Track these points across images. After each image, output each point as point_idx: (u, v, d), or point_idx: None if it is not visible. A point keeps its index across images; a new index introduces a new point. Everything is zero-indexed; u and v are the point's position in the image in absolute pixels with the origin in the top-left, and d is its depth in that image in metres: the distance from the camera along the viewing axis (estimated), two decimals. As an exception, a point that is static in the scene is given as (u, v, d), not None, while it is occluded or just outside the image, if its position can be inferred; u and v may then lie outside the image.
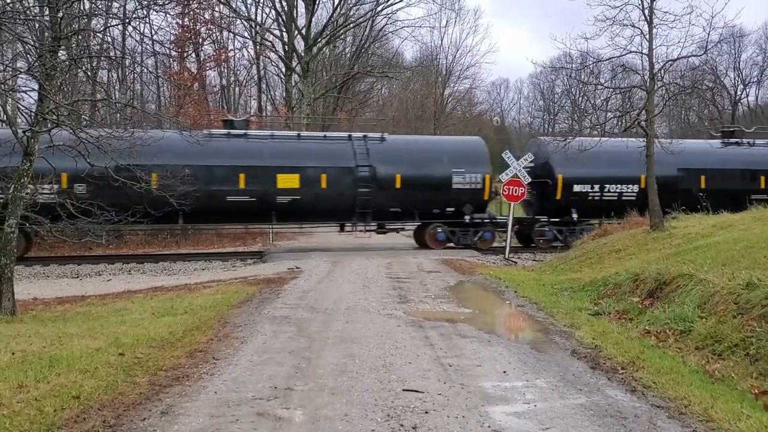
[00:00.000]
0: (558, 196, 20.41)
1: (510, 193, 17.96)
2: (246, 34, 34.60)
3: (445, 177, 19.42)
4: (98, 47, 17.08)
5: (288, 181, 18.54)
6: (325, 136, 20.25)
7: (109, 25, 17.71)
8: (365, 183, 19.02)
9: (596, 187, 20.53)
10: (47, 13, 10.19)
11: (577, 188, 20.44)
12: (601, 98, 28.41)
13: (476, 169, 19.76)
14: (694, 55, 15.77)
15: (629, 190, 20.61)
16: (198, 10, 30.00)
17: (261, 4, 35.06)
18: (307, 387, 5.33)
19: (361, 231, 20.64)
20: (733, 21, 35.82)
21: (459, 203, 19.58)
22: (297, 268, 14.90)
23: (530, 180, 18.60)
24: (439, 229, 19.74)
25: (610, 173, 20.49)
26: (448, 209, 19.60)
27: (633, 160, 17.07)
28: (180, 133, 15.72)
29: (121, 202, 15.68)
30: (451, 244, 19.88)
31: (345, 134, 20.49)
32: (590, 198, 20.49)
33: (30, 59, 10.52)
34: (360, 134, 20.19)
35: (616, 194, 20.63)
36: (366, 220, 19.61)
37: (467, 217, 19.70)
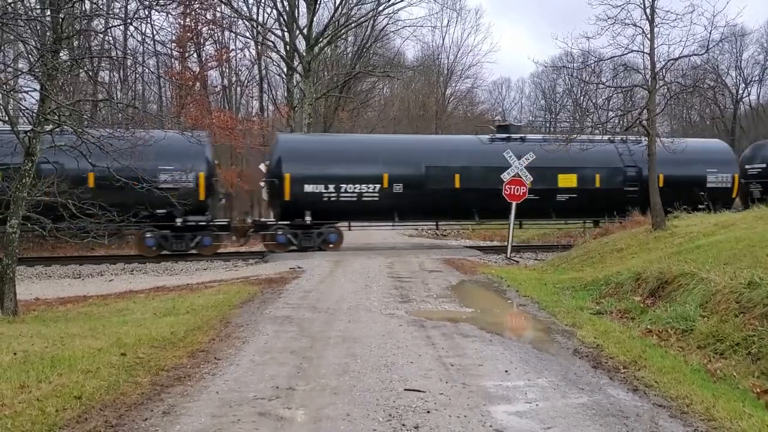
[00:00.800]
0: None
1: (511, 193, 17.97)
2: (248, 34, 34.61)
3: (701, 177, 21.33)
4: (100, 47, 17.07)
5: (567, 180, 20.64)
6: (589, 138, 21.38)
7: (110, 25, 17.75)
8: (632, 182, 20.88)
9: None
10: (49, 13, 10.20)
11: None
12: (603, 97, 28.41)
13: (726, 169, 22.05)
14: (695, 54, 15.86)
15: None
16: (199, 11, 30.01)
17: (262, 4, 35.10)
18: (308, 387, 5.33)
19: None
20: (735, 20, 35.96)
21: (710, 200, 20.52)
22: (299, 267, 14.90)
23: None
24: None
25: None
26: (700, 206, 20.50)
27: None
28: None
29: (428, 198, 19.63)
30: None
31: (605, 137, 21.76)
32: None
33: (31, 60, 10.52)
34: (618, 137, 21.67)
35: None
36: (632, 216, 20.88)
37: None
